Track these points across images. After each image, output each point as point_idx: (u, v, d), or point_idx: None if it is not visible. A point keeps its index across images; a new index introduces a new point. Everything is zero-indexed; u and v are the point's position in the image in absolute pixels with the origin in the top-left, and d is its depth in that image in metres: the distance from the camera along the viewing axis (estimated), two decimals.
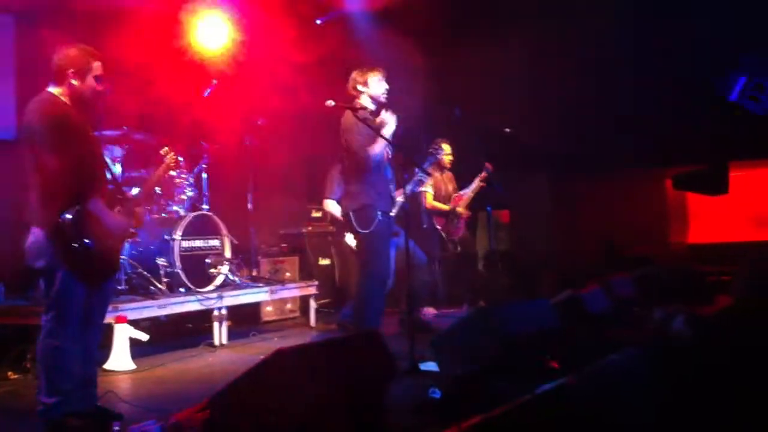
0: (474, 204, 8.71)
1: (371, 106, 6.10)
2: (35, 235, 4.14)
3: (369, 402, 4.05)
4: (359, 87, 6.09)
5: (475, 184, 8.48)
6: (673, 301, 6.32)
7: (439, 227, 8.44)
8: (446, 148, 8.45)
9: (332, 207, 7.43)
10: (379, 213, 5.93)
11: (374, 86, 6.08)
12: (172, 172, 7.23)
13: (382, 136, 5.83)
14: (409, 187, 7.40)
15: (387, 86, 6.14)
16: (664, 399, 3.88)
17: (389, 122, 5.90)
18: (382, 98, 6.11)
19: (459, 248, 8.66)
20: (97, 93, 4.31)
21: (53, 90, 4.23)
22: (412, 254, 7.16)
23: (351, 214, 5.99)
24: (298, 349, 4.02)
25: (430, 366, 4.99)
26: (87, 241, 4.07)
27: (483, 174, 8.45)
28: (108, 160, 6.63)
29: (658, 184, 10.14)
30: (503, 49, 9.26)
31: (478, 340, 4.60)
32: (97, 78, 4.27)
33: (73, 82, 4.21)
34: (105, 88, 4.35)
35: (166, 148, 5.11)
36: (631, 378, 4.06)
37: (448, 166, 8.57)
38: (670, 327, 5.52)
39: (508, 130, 8.49)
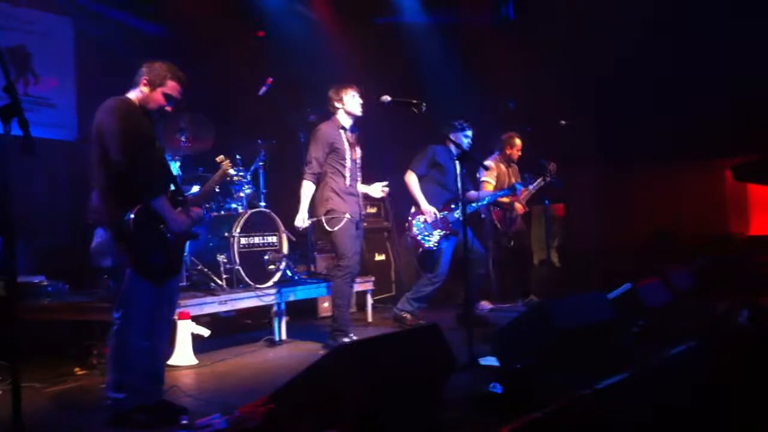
0: (529, 198, 8.69)
1: (348, 121, 6.51)
2: (100, 235, 4.25)
3: (428, 396, 4.08)
4: (335, 104, 6.49)
5: (538, 182, 8.38)
6: (733, 293, 6.25)
7: (495, 219, 8.44)
8: (518, 142, 8.47)
9: (411, 179, 7.47)
10: (347, 216, 6.36)
11: (349, 102, 6.45)
12: (231, 171, 7.36)
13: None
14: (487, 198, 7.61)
15: (361, 101, 6.47)
16: (727, 392, 3.84)
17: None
18: (358, 113, 6.50)
19: (512, 242, 8.63)
20: (162, 109, 4.44)
21: (129, 94, 4.39)
22: (471, 248, 7.25)
23: (322, 218, 6.42)
24: (358, 344, 4.07)
25: (490, 360, 4.99)
26: (149, 239, 4.18)
27: (547, 173, 8.29)
28: (170, 163, 6.80)
29: (717, 175, 9.98)
30: (555, 39, 9.22)
31: (537, 334, 4.60)
32: (166, 95, 4.40)
33: (143, 89, 4.37)
34: (170, 109, 4.48)
35: (222, 156, 5.18)
36: (694, 371, 4.03)
37: (516, 159, 8.57)
38: (734, 321, 5.45)
39: (563, 122, 8.43)
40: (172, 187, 4.55)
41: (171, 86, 4.41)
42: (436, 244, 7.34)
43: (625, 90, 9.11)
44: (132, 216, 4.09)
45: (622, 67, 9.07)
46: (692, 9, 8.68)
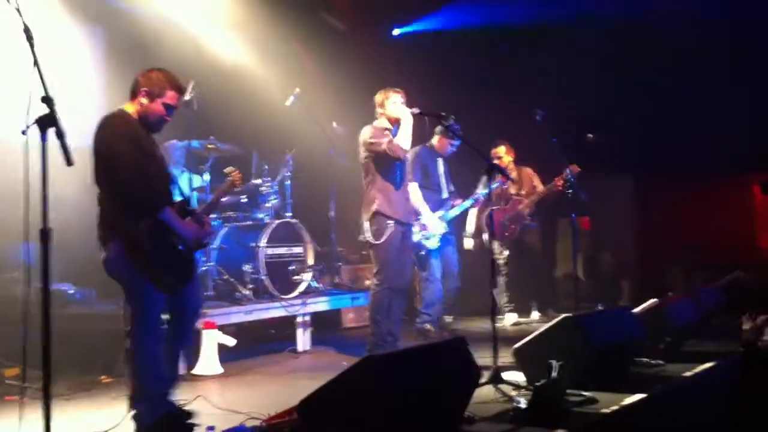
0: (555, 211, 8.65)
1: (389, 126, 6.27)
2: (110, 247, 4.21)
3: (453, 409, 4.07)
4: (378, 109, 6.32)
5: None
6: (763, 310, 6.18)
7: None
8: (498, 151, 8.40)
9: (414, 189, 7.26)
10: (390, 222, 6.11)
11: (390, 108, 6.24)
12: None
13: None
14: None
15: (404, 106, 6.22)
16: (756, 410, 3.81)
17: (405, 116, 6.12)
18: (398, 117, 6.19)
19: (509, 251, 8.53)
20: (162, 119, 4.35)
21: (126, 107, 4.32)
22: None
23: (365, 223, 6.19)
24: (385, 356, 4.07)
25: (514, 375, 4.97)
26: (161, 249, 4.20)
27: (562, 177, 8.12)
28: (185, 177, 6.86)
29: (746, 189, 9.88)
30: (585, 50, 9.20)
31: (569, 349, 4.56)
32: (166, 105, 4.31)
33: (143, 100, 4.27)
34: (170, 119, 4.39)
35: (231, 167, 5.19)
36: (722, 389, 3.99)
37: (509, 168, 8.46)
38: (761, 338, 5.39)
39: (590, 135, 8.36)
40: (179, 198, 4.56)
41: (170, 96, 4.31)
42: (437, 245, 7.38)
43: (657, 102, 9.08)
44: (143, 228, 4.11)
45: (653, 78, 9.03)
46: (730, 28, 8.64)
